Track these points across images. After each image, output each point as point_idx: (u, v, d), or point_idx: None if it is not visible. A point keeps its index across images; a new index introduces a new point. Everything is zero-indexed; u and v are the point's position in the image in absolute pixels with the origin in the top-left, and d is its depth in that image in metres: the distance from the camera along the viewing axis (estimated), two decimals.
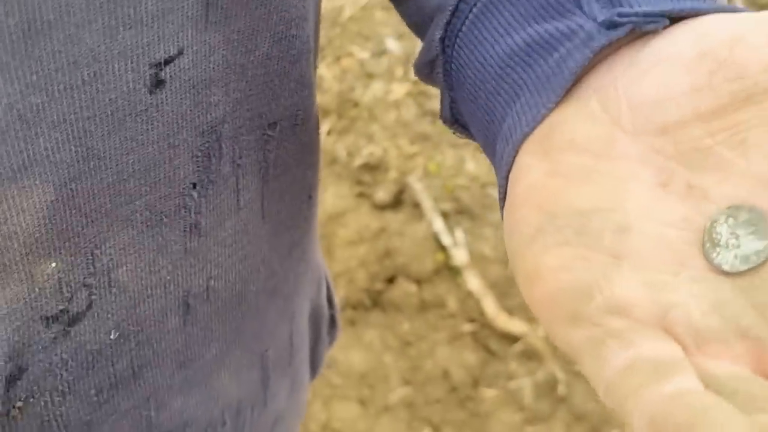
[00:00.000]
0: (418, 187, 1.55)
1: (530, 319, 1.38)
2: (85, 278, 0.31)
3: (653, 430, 0.21)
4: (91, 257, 0.31)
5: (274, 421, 0.46)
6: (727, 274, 0.24)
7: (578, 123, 0.27)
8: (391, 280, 1.46)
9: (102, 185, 0.30)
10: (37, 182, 0.28)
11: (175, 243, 0.33)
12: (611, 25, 0.27)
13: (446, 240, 1.48)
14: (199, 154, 0.32)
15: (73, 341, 0.32)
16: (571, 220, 0.25)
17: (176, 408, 0.38)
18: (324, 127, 1.69)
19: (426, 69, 0.34)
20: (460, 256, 1.45)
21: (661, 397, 0.21)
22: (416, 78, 0.35)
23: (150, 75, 0.29)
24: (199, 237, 0.34)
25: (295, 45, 0.33)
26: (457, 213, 1.52)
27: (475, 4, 0.31)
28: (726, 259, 0.24)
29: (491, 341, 1.38)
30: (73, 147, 0.28)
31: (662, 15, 0.26)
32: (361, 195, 1.58)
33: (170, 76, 0.29)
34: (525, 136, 0.28)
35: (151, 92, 0.29)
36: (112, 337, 0.33)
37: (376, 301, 1.45)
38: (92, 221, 0.30)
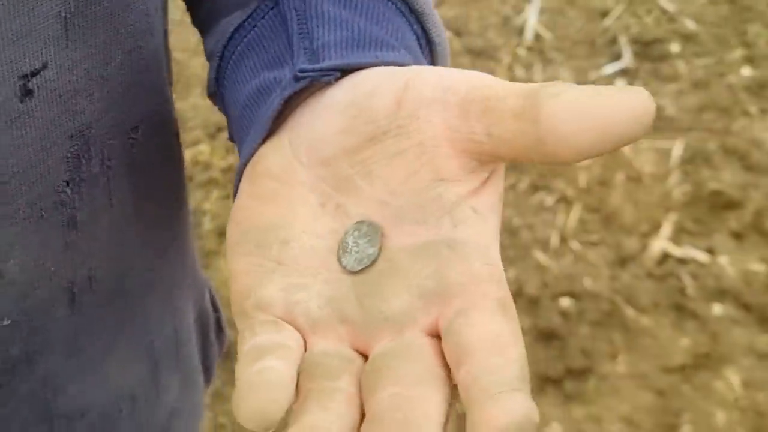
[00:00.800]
0: None
1: None
2: None
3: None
4: None
5: (169, 413, 0.50)
6: (349, 273, 0.31)
7: (273, 156, 0.33)
8: None
9: None
10: None
11: (56, 237, 0.37)
12: (297, 79, 0.34)
13: None
14: (69, 155, 0.36)
15: None
16: (254, 235, 0.32)
17: (72, 394, 0.42)
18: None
19: (213, 99, 0.41)
20: None
21: (248, 374, 0.27)
22: None
23: (19, 86, 0.33)
24: (76, 231, 0.38)
25: (144, 55, 0.38)
26: None
27: (234, 51, 0.38)
28: (349, 261, 0.31)
29: None
30: None
31: (335, 69, 0.33)
32: None
33: (37, 87, 0.34)
34: (244, 165, 0.35)
35: (21, 101, 0.33)
36: (5, 323, 0.37)
37: None
38: None
